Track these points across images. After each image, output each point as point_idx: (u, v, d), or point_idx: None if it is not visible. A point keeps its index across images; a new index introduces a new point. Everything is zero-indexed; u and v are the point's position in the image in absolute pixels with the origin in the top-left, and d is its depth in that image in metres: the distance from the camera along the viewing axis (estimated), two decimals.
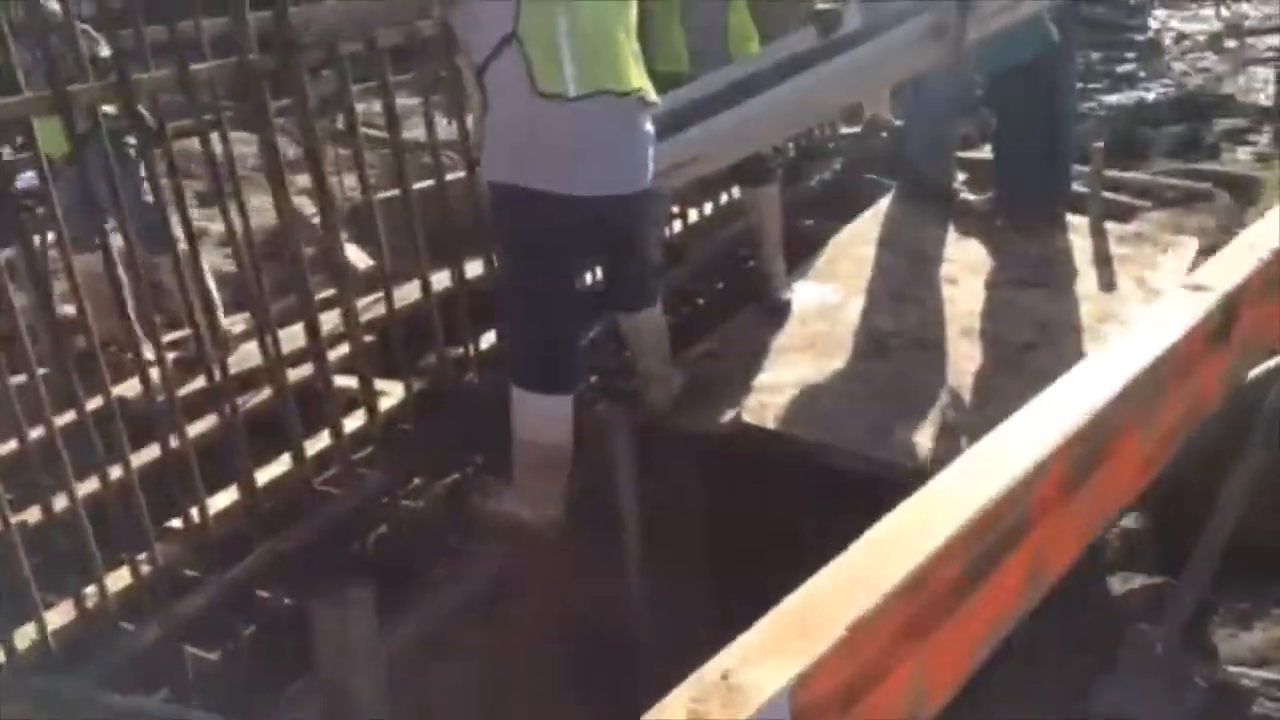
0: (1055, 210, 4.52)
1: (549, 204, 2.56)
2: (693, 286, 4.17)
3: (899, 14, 3.45)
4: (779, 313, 3.77)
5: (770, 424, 3.11)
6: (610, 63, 2.57)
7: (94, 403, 2.53)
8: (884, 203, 4.71)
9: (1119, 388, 1.36)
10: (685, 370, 3.32)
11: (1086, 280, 4.09)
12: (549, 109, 2.50)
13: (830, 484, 3.02)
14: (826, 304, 3.87)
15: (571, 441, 2.67)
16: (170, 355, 2.99)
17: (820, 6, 3.47)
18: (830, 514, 3.00)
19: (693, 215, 4.47)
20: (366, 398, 2.95)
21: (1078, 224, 4.54)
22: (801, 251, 4.41)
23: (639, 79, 2.64)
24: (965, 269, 4.16)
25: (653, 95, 2.70)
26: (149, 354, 2.67)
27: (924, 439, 3.07)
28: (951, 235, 4.43)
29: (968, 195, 4.76)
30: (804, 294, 3.91)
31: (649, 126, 2.71)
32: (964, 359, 3.53)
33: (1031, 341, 3.63)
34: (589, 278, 3.30)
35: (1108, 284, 4.06)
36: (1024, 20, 3.58)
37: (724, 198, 4.52)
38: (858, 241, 4.37)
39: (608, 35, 2.58)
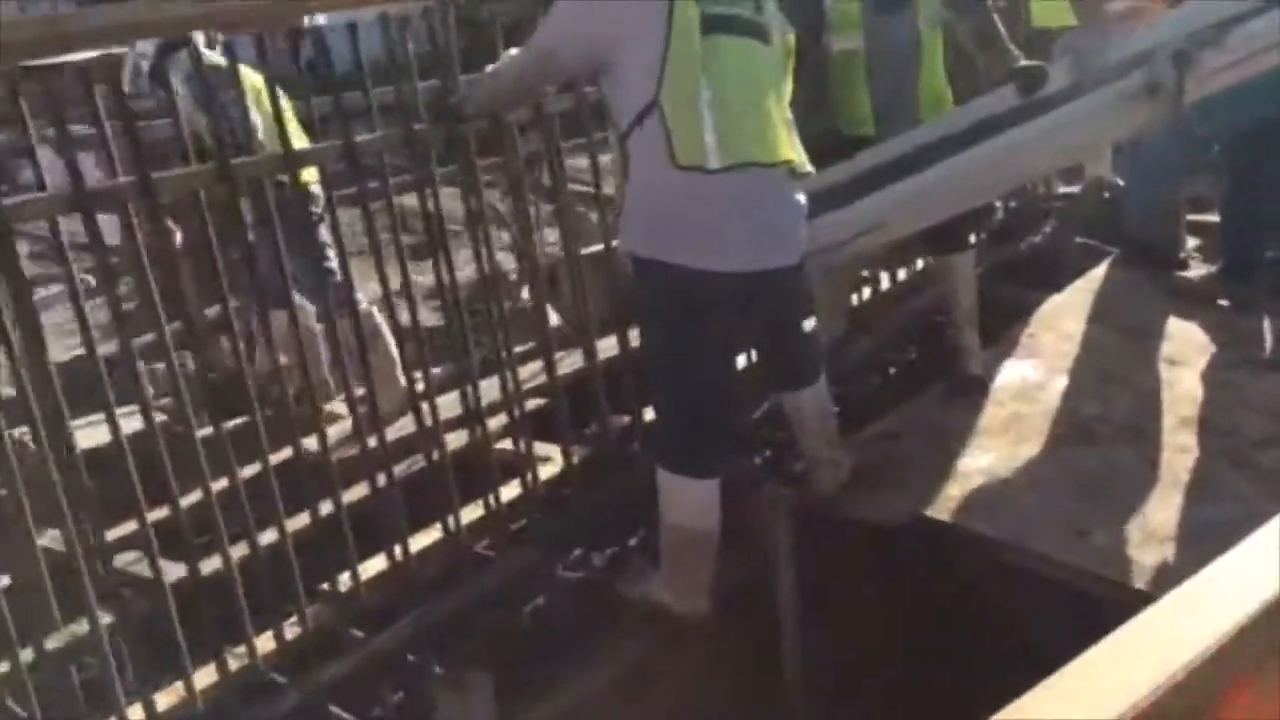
0: None
1: (688, 280, 2.44)
2: (877, 359, 3.92)
3: (1109, 71, 3.14)
4: (969, 391, 3.48)
5: (948, 517, 2.84)
6: (756, 133, 2.45)
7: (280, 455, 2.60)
8: (1099, 271, 4.32)
9: None
10: (858, 452, 3.10)
11: None
12: (688, 181, 2.38)
13: (1015, 587, 2.72)
14: (1025, 383, 3.54)
15: (718, 528, 2.51)
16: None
17: (1022, 63, 3.20)
18: (1015, 621, 2.72)
19: (884, 281, 4.25)
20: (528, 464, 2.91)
21: None
22: (1003, 323, 4.10)
23: (788, 149, 2.51)
24: (1188, 348, 3.73)
25: (806, 165, 2.57)
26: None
27: (1132, 546, 2.71)
28: (1174, 310, 4.00)
29: (1196, 265, 4.31)
30: (1000, 371, 3.60)
31: (800, 198, 2.58)
32: (1183, 453, 3.13)
33: (1269, 436, 3.19)
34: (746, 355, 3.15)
35: None
36: (1261, 75, 3.19)
37: (919, 263, 4.28)
38: (1066, 313, 4.01)
39: (754, 105, 2.45)
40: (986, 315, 4.15)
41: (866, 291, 4.19)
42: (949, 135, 3.12)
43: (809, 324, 2.73)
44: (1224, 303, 4.00)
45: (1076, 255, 4.60)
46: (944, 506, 2.88)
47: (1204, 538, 2.72)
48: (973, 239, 4.08)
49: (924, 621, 2.80)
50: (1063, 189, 5.13)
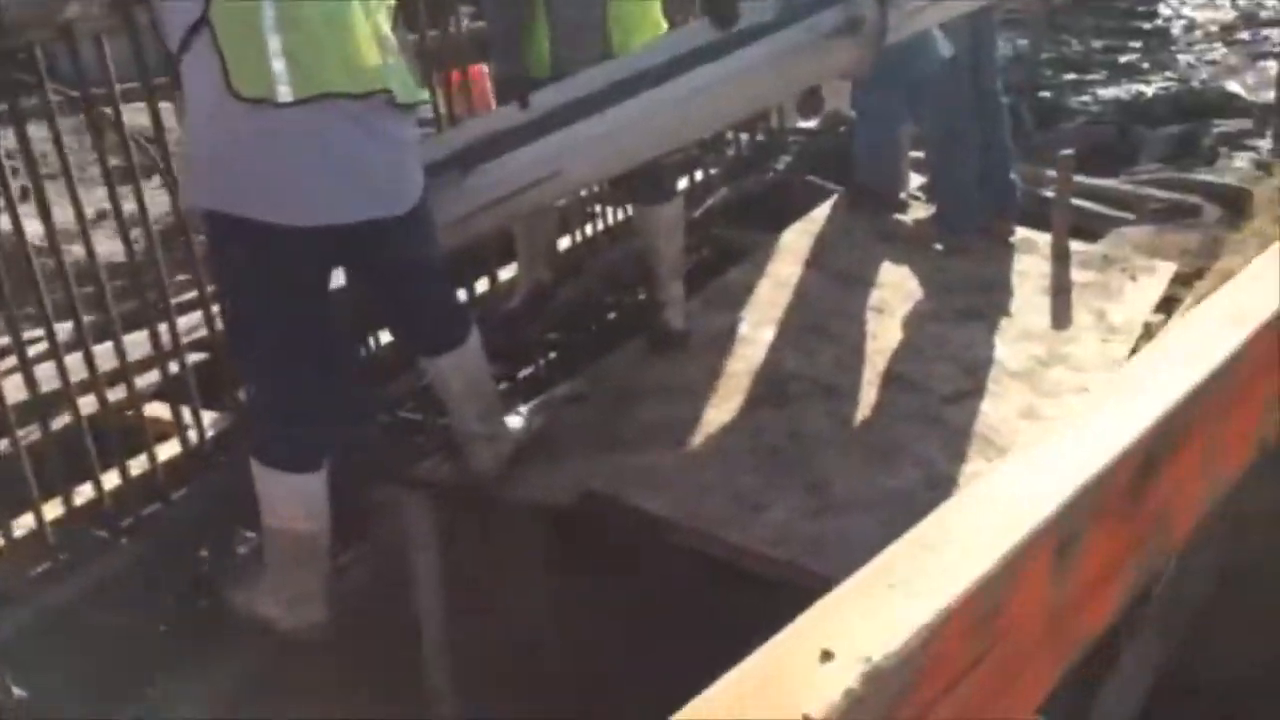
0: (1000, 226, 3.97)
1: (263, 237, 2.05)
2: (579, 311, 3.63)
3: (810, 6, 2.90)
4: (668, 346, 3.25)
5: (620, 492, 2.60)
6: (340, 56, 2.05)
7: None
8: (822, 210, 4.17)
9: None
10: (538, 418, 2.82)
11: (1037, 313, 3.54)
12: (253, 117, 1.99)
13: (687, 569, 2.52)
14: (730, 335, 3.34)
15: (326, 528, 2.17)
16: None
17: None
18: (688, 607, 2.51)
19: (597, 223, 3.95)
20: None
21: (1039, 243, 3.99)
22: (721, 266, 3.90)
23: (383, 74, 2.11)
24: (896, 295, 3.62)
25: (416, 92, 2.19)
26: None
27: (807, 519, 2.55)
28: (889, 254, 3.89)
29: (917, 207, 4.22)
30: (707, 322, 3.39)
31: (410, 131, 2.22)
32: (875, 412, 3.01)
33: (960, 390, 3.09)
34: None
35: (1061, 318, 3.51)
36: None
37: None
38: (783, 257, 3.83)
39: (337, 21, 2.05)
40: (707, 257, 3.97)
41: (583, 234, 3.88)
42: (638, 73, 2.81)
43: (436, 281, 2.39)
44: (938, 247, 3.92)
45: (806, 194, 4.44)
46: (617, 480, 2.65)
47: (882, 506, 2.59)
48: (681, 185, 3.86)
49: (594, 610, 2.56)
50: (801, 123, 4.96)
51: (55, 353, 2.44)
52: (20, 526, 2.32)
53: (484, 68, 3.83)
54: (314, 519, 2.15)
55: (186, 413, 2.64)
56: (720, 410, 2.96)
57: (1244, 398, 0.97)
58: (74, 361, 2.61)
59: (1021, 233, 4.04)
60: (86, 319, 2.56)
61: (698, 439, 2.83)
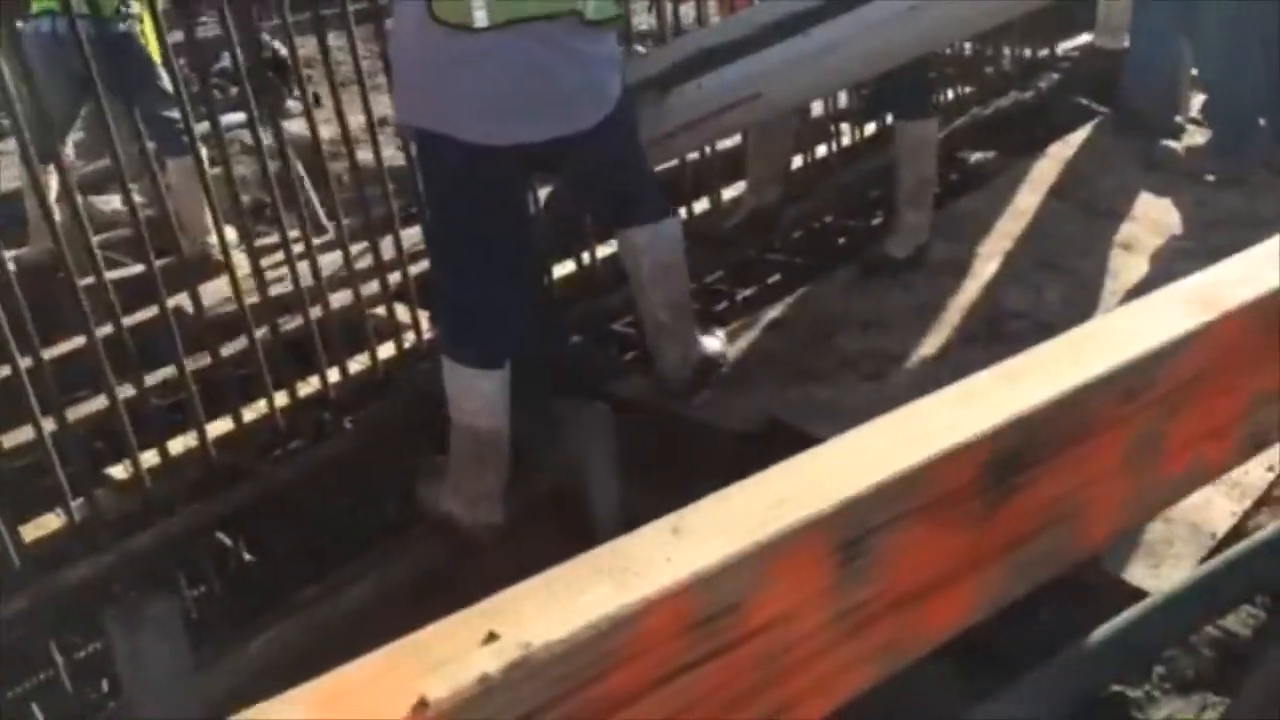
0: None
1: (464, 153, 2.15)
2: (795, 241, 3.56)
3: None
4: (880, 273, 3.14)
5: (805, 423, 2.56)
6: None
7: None
8: (1080, 135, 3.85)
9: None
10: (730, 343, 2.82)
11: None
12: (452, 41, 2.07)
13: None
14: (952, 266, 3.18)
15: (506, 428, 2.28)
16: None
17: None
18: None
19: (832, 144, 3.83)
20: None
21: None
22: (962, 190, 3.70)
23: None
24: (1149, 230, 3.31)
25: (606, 10, 2.20)
26: None
27: None
28: (1154, 184, 3.54)
29: (1194, 133, 3.81)
30: (931, 252, 3.23)
31: (604, 46, 2.24)
32: None
33: None
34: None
35: None
36: None
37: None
38: (1027, 184, 3.59)
39: None
40: (950, 182, 3.76)
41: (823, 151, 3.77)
42: None
43: (635, 174, 2.45)
44: (1210, 178, 3.54)
45: (1069, 115, 4.11)
46: (803, 409, 2.61)
47: None
48: (934, 100, 3.67)
49: None
50: (1068, 44, 4.57)
51: (344, 247, 2.70)
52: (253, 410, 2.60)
53: None
54: (494, 416, 2.27)
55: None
56: (924, 345, 2.83)
57: (1204, 392, 0.83)
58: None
59: None
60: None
61: (895, 373, 2.74)
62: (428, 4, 2.06)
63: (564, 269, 3.10)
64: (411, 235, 2.90)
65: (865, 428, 0.72)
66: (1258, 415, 0.88)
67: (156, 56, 3.89)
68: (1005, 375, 0.77)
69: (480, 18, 2.05)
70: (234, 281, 2.58)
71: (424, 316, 2.83)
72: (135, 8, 3.96)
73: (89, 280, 2.38)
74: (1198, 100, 3.96)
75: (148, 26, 3.77)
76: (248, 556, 2.60)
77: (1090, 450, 0.77)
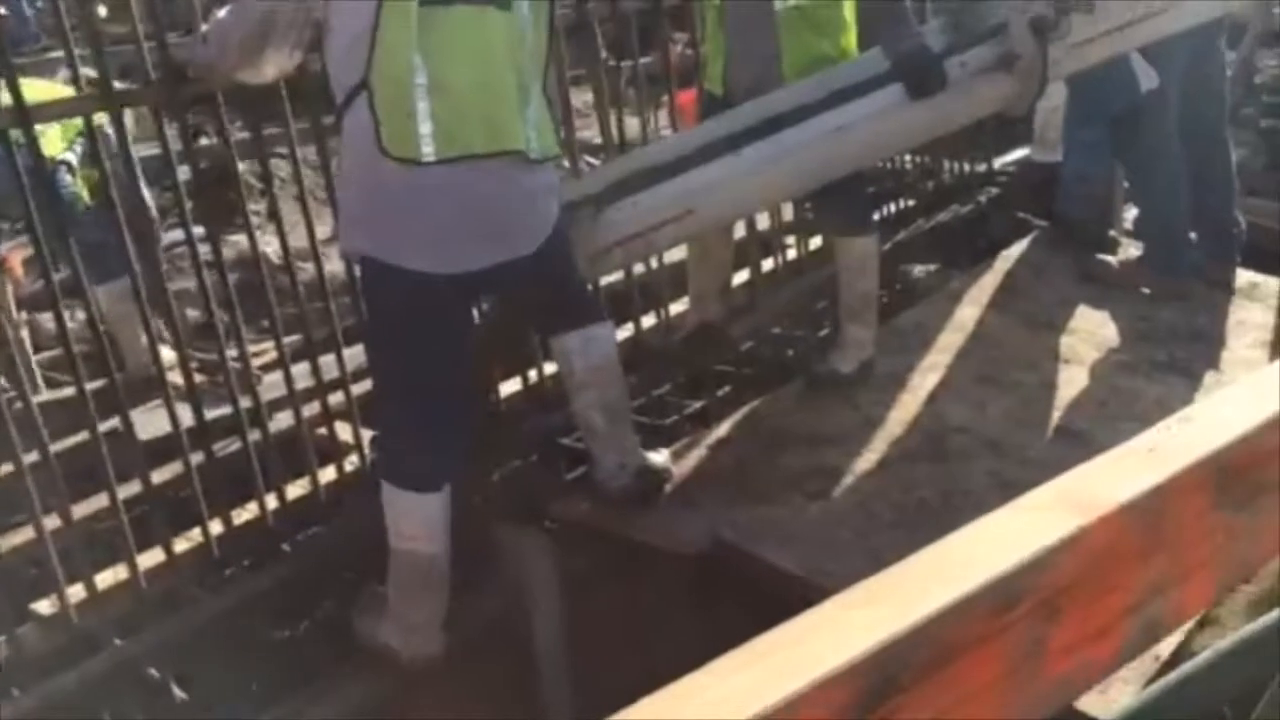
0: (1218, 270, 3.62)
1: (408, 281, 2.16)
2: (738, 357, 3.57)
3: (987, 34, 2.74)
4: (826, 389, 3.15)
5: (749, 544, 2.54)
6: (483, 119, 2.14)
7: None
8: (1018, 249, 3.93)
9: None
10: (678, 461, 2.80)
11: (1250, 369, 3.19)
12: (400, 174, 2.09)
13: None
14: (894, 381, 3.19)
15: (445, 553, 2.24)
16: None
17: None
18: None
19: (776, 258, 3.87)
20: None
21: (1267, 289, 3.61)
22: (901, 305, 3.74)
23: (519, 136, 2.19)
24: (1089, 343, 3.36)
25: (548, 149, 2.26)
26: None
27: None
28: (1088, 297, 3.62)
29: (1128, 246, 3.91)
30: (877, 365, 3.25)
31: (544, 178, 2.29)
32: (1042, 473, 2.76)
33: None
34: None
35: None
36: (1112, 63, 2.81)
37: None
38: (967, 297, 3.64)
39: (483, 85, 2.14)
40: (889, 296, 3.81)
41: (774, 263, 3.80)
42: (789, 109, 2.75)
43: (569, 287, 2.49)
44: (1145, 291, 3.62)
45: (1006, 229, 4.20)
46: (750, 529, 2.58)
47: None
48: (876, 217, 3.73)
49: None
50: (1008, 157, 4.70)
51: (284, 364, 2.68)
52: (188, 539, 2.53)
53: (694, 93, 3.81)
54: (434, 540, 2.23)
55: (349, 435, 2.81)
56: (870, 462, 2.83)
57: (1086, 595, 0.82)
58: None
59: (1246, 276, 3.67)
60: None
61: (841, 491, 2.73)
62: (376, 136, 2.08)
63: (511, 385, 3.09)
64: (354, 354, 2.88)
65: (728, 659, 0.69)
66: (1147, 610, 0.86)
67: (85, 195, 3.89)
68: (872, 596, 0.74)
69: (428, 152, 2.08)
70: (169, 405, 2.54)
71: (366, 437, 2.79)
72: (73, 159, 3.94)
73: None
74: (1131, 213, 4.07)
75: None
76: (177, 693, 2.50)
77: (966, 667, 0.74)
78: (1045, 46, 2.54)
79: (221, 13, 2.26)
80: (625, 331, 3.25)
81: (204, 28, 2.31)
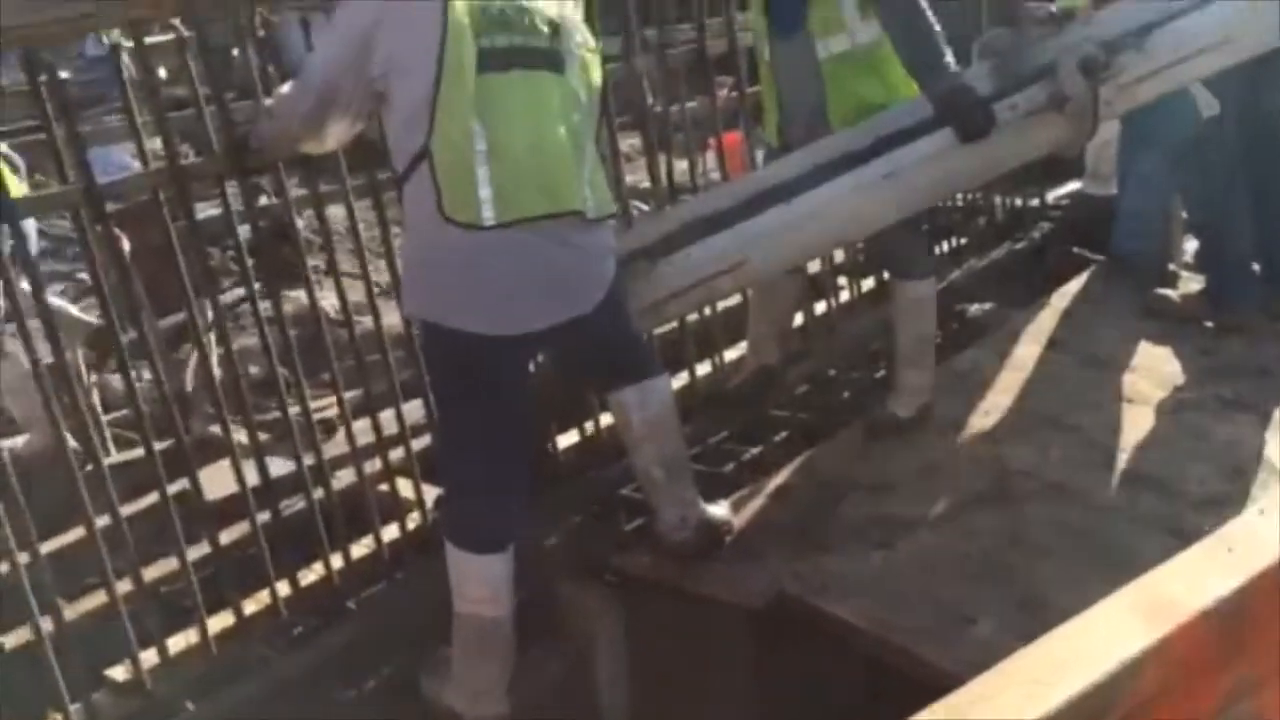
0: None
1: (471, 344, 2.19)
2: (797, 400, 3.56)
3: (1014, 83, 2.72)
4: (884, 434, 3.13)
5: (815, 597, 2.52)
6: (540, 182, 2.17)
7: None
8: (1076, 285, 3.89)
9: None
10: (739, 513, 2.79)
11: None
12: (462, 238, 2.13)
13: (885, 683, 2.40)
14: (954, 423, 3.17)
15: (509, 616, 2.25)
16: None
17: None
18: None
19: (834, 299, 3.86)
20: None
21: None
22: (960, 343, 3.71)
23: (578, 196, 2.22)
24: (1152, 381, 3.30)
25: (607, 206, 2.30)
26: None
27: (1008, 640, 2.35)
28: (1149, 333, 3.56)
29: (1189, 279, 3.85)
30: (936, 409, 3.22)
31: (600, 238, 2.32)
32: (1111, 517, 2.74)
33: (1216, 495, 2.77)
34: None
35: None
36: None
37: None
38: (1025, 336, 3.61)
39: (539, 149, 2.17)
40: (948, 334, 3.78)
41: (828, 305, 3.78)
42: (839, 157, 2.75)
43: (626, 344, 2.51)
44: (1208, 325, 3.55)
45: (1063, 265, 4.16)
46: (813, 582, 2.56)
47: None
48: (930, 258, 3.71)
49: (790, 715, 2.49)
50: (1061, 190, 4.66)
51: (345, 420, 2.71)
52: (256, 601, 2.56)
53: (739, 135, 3.82)
54: (499, 604, 2.25)
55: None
56: (932, 509, 2.80)
57: (1168, 704, 0.80)
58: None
59: None
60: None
61: (903, 541, 2.70)
62: (437, 201, 2.11)
63: (569, 439, 3.10)
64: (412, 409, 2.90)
65: None
66: (1230, 713, 0.85)
67: None
68: (954, 710, 0.74)
69: (488, 216, 2.11)
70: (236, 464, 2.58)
71: (428, 493, 2.81)
72: None
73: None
74: (1190, 246, 4.01)
75: None
76: None
77: None
78: (1096, 87, 2.52)
79: (285, 88, 2.32)
80: (680, 380, 3.26)
81: (267, 102, 2.36)
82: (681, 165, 3.62)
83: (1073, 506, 2.78)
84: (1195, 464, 2.90)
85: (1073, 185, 4.68)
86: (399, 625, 2.66)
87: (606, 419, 3.04)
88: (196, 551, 2.52)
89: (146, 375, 2.75)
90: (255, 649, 2.52)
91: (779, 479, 3.00)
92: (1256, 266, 3.59)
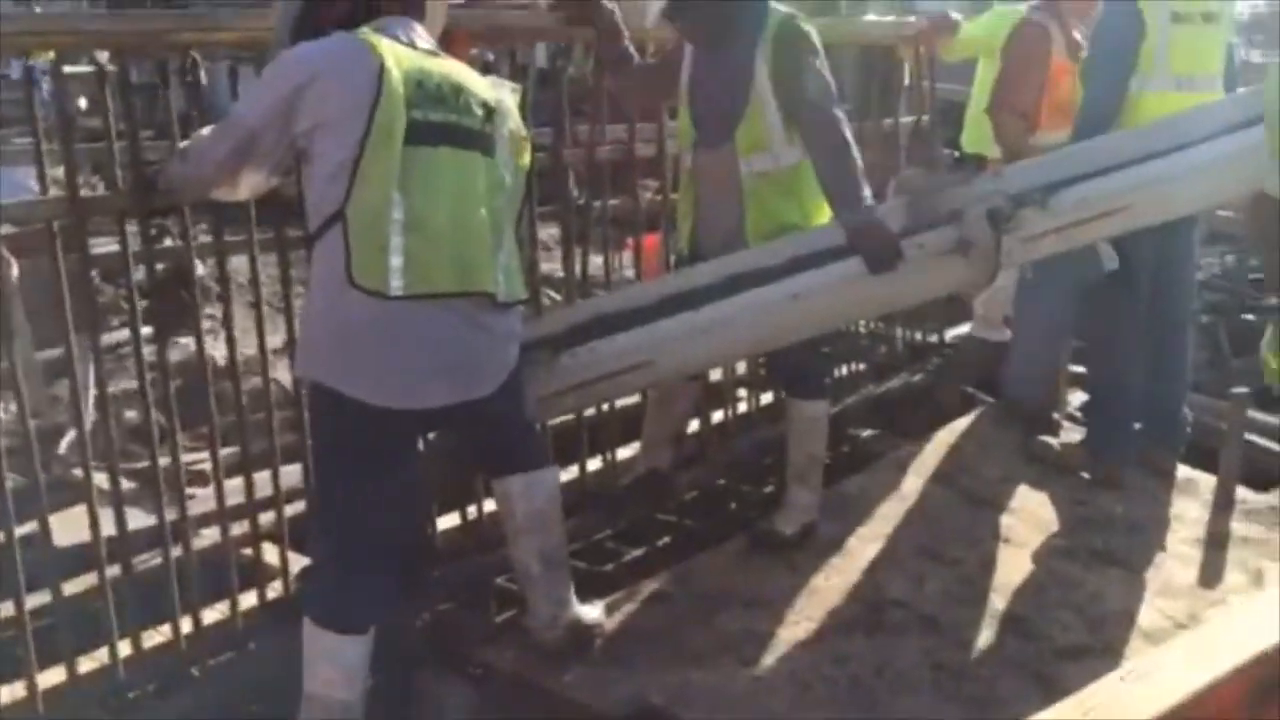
0: (1160, 461, 3.69)
1: (363, 414, 2.14)
2: (682, 506, 3.55)
3: (945, 218, 2.82)
4: (767, 550, 3.13)
5: (680, 710, 2.47)
6: (454, 259, 2.16)
7: None
8: (964, 423, 3.99)
9: None
10: (613, 615, 2.74)
11: (1185, 565, 3.22)
12: (366, 305, 2.09)
13: None
14: (835, 548, 3.18)
15: (359, 700, 2.16)
16: None
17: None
18: None
19: (728, 409, 3.89)
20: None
21: (1203, 485, 3.67)
22: (847, 470, 3.76)
23: (490, 278, 2.22)
24: (1029, 525, 3.38)
25: (517, 293, 2.30)
26: None
27: None
28: (1032, 478, 3.66)
29: (1070, 429, 3.98)
30: (815, 529, 3.23)
31: (507, 322, 2.32)
32: (976, 655, 2.77)
33: (1079, 645, 2.82)
34: None
35: (1211, 575, 3.18)
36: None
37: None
38: (911, 468, 3.67)
39: (459, 227, 2.17)
40: (837, 456, 3.82)
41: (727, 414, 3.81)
42: (751, 271, 2.80)
43: (518, 428, 2.48)
44: (1085, 476, 3.66)
45: (954, 403, 4.27)
46: (680, 695, 2.52)
47: None
48: (828, 381, 3.77)
49: None
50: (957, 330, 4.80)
51: (217, 477, 2.60)
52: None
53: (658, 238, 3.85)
54: (350, 687, 2.16)
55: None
56: (805, 630, 2.79)
57: None
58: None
59: (1185, 472, 3.74)
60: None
61: (774, 659, 2.68)
62: (346, 264, 2.08)
63: (449, 520, 3.03)
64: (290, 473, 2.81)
65: None
66: None
67: None
68: None
69: (396, 286, 2.09)
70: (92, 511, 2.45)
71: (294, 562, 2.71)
72: None
73: None
74: (1076, 398, 4.15)
75: None
76: None
77: None
78: (999, 237, 2.62)
79: (205, 131, 2.27)
80: (570, 473, 3.23)
81: (182, 144, 2.31)
82: (597, 260, 3.65)
83: (942, 641, 2.80)
84: (1062, 611, 2.95)
85: (969, 326, 4.83)
86: (242, 699, 2.53)
87: (490, 505, 2.99)
88: (37, 599, 2.38)
89: (13, 407, 2.64)
90: (87, 710, 2.36)
91: (657, 584, 2.97)
92: (1138, 425, 3.72)
